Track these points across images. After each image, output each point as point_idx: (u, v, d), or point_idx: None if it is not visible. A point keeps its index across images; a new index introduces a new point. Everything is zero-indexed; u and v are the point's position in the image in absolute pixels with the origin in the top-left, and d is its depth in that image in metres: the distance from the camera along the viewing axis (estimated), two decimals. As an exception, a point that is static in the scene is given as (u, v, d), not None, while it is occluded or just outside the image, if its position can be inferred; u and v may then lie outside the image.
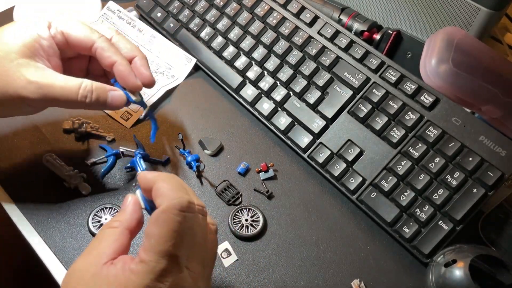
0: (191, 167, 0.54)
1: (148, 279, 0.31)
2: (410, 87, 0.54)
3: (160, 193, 0.34)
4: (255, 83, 0.59)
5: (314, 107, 0.56)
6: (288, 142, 0.57)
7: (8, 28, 0.44)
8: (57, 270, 0.47)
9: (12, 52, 0.41)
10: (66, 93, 0.42)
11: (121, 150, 0.54)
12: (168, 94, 0.61)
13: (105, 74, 0.51)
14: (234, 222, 0.50)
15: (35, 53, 0.42)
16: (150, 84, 0.47)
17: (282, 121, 0.57)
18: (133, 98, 0.46)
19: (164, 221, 0.33)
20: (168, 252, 0.32)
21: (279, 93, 0.58)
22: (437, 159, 0.50)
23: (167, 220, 0.33)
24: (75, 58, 0.49)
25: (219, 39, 0.63)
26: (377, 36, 0.62)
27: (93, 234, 0.49)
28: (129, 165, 0.52)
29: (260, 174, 0.55)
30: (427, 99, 0.53)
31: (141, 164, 0.44)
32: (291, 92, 0.58)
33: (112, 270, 0.33)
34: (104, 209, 0.50)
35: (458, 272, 0.43)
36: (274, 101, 0.58)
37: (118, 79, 0.46)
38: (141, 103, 0.48)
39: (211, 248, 0.38)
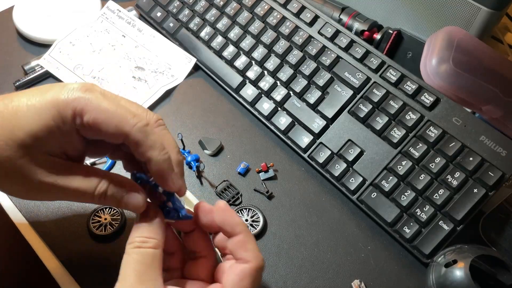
0: (191, 167, 0.54)
1: None
2: (410, 87, 0.53)
3: (248, 248, 0.36)
4: (255, 83, 0.59)
5: (314, 107, 0.56)
6: (288, 142, 0.57)
7: (30, 108, 0.35)
8: (57, 271, 0.47)
9: (25, 146, 0.34)
10: (82, 193, 0.36)
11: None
12: (167, 93, 0.61)
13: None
14: (234, 222, 0.50)
15: (48, 145, 0.35)
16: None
17: (282, 121, 0.57)
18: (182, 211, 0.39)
19: (256, 278, 0.35)
20: None
21: (279, 93, 0.58)
22: (438, 159, 0.50)
23: (257, 277, 0.36)
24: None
25: (219, 39, 0.63)
26: (378, 36, 0.62)
27: (92, 234, 0.48)
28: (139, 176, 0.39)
29: (260, 174, 0.55)
30: (427, 99, 0.53)
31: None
32: (291, 92, 0.58)
33: None
34: (104, 209, 0.50)
35: (459, 272, 0.43)
36: (274, 101, 0.58)
37: (155, 178, 0.38)
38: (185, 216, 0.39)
39: None
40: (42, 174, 0.35)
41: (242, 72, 0.60)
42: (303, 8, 0.60)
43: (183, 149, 0.55)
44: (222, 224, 0.37)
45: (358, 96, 0.55)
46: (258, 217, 0.51)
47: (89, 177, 0.36)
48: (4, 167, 0.34)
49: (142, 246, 0.34)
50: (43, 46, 0.64)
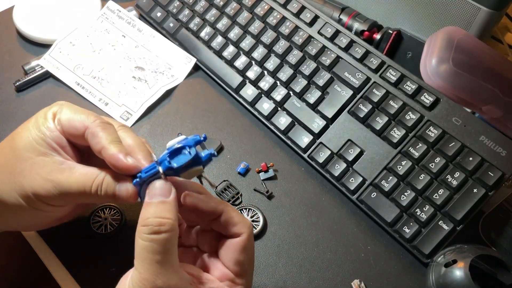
0: (191, 167, 0.54)
1: None
2: (410, 87, 0.53)
3: (236, 221, 0.37)
4: (255, 83, 0.59)
5: (314, 107, 0.56)
6: (288, 142, 0.57)
7: (17, 132, 0.40)
8: (57, 270, 0.47)
9: (26, 151, 0.38)
10: (80, 188, 0.38)
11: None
12: (168, 94, 0.61)
13: None
14: (234, 222, 0.50)
15: (48, 148, 0.38)
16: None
17: (282, 121, 0.57)
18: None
19: (251, 247, 0.37)
20: (253, 272, 0.39)
21: (279, 93, 0.58)
22: (438, 159, 0.50)
23: (251, 247, 0.38)
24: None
25: (219, 39, 0.63)
26: (377, 36, 0.62)
27: (92, 234, 0.49)
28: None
29: (260, 174, 0.55)
30: (427, 99, 0.53)
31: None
32: (291, 92, 0.58)
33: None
34: (104, 209, 0.50)
35: (459, 272, 0.43)
36: (274, 101, 0.58)
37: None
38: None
39: None
40: (46, 172, 0.38)
41: (242, 72, 0.60)
42: (303, 8, 0.60)
43: (183, 149, 0.55)
44: (201, 215, 0.37)
45: (358, 96, 0.55)
46: (258, 217, 0.51)
47: (89, 172, 0.38)
48: (13, 179, 0.38)
49: (159, 231, 0.33)
50: (43, 46, 0.64)
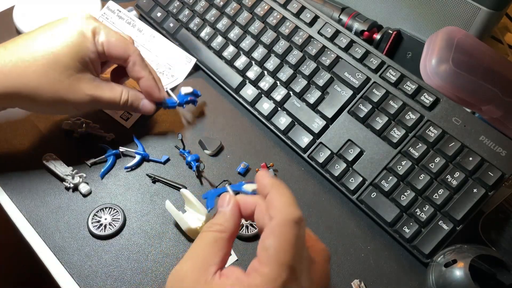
0: (191, 167, 0.54)
1: None
2: (410, 87, 0.53)
3: (274, 205, 0.34)
4: (255, 83, 0.59)
5: (314, 107, 0.56)
6: (288, 142, 0.57)
7: (61, 37, 0.48)
8: (57, 270, 0.47)
9: (70, 68, 0.47)
10: (111, 101, 0.51)
11: (121, 150, 0.54)
12: (168, 94, 0.61)
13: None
14: (234, 222, 0.50)
15: (87, 66, 0.49)
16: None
17: (282, 121, 0.57)
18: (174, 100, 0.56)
19: (281, 233, 0.32)
20: (287, 264, 0.31)
21: (279, 93, 0.58)
22: (437, 159, 0.50)
23: (284, 232, 0.32)
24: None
25: (219, 39, 0.63)
26: (377, 36, 0.62)
27: (92, 234, 0.49)
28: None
29: (260, 174, 0.55)
30: (427, 99, 0.53)
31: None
32: (291, 92, 0.58)
33: (226, 281, 0.32)
34: (104, 209, 0.50)
35: (458, 272, 0.43)
36: (274, 101, 0.58)
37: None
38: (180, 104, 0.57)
39: (320, 275, 0.36)
40: (86, 88, 0.49)
41: (242, 72, 0.60)
42: (303, 8, 0.60)
43: (183, 149, 0.55)
44: (260, 192, 0.36)
45: (358, 96, 0.55)
46: (258, 217, 0.51)
47: (115, 89, 0.51)
48: (55, 89, 0.47)
49: (207, 230, 0.36)
50: (43, 46, 0.64)
